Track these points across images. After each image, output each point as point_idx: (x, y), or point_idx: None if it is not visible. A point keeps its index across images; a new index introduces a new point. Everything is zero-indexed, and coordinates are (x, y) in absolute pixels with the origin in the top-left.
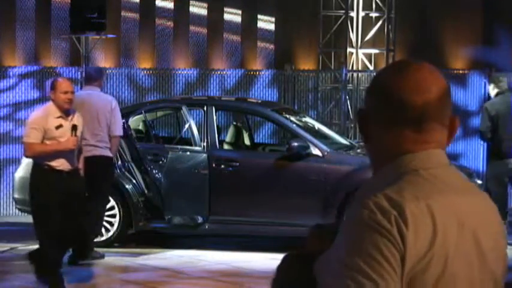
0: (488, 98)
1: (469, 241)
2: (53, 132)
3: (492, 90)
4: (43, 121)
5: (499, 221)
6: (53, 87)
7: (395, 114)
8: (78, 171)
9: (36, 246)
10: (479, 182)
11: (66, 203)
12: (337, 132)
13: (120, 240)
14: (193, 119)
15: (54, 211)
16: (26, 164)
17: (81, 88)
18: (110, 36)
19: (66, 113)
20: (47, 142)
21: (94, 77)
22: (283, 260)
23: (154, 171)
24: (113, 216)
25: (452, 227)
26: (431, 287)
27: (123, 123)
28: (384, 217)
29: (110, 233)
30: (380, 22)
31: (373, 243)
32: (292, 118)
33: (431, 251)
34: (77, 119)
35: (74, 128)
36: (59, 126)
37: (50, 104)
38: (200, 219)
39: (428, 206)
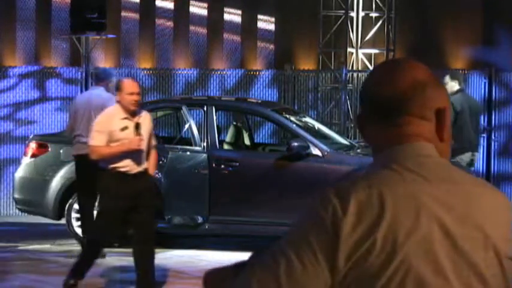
0: (488, 97)
1: (432, 228)
2: (117, 135)
3: (453, 87)
4: (107, 123)
5: (488, 212)
6: (119, 88)
7: (369, 111)
8: (146, 172)
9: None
10: None
11: (132, 206)
12: (337, 132)
13: (120, 240)
14: (193, 119)
15: (114, 217)
16: (26, 164)
17: (81, 88)
18: (110, 36)
19: (132, 114)
20: (112, 145)
21: (100, 77)
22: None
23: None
24: None
25: (407, 214)
26: (376, 271)
27: None
28: (321, 205)
29: None
30: (380, 22)
31: (303, 229)
32: (292, 118)
33: (374, 235)
34: (143, 118)
35: (137, 126)
36: (124, 128)
37: (115, 106)
38: (200, 219)
39: (379, 193)
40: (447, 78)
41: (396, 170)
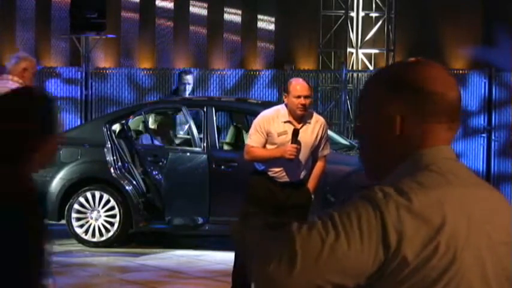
0: (488, 97)
1: (480, 233)
2: (273, 138)
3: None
4: (267, 123)
5: (510, 215)
6: (286, 90)
7: (430, 110)
8: (302, 185)
9: None
10: None
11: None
12: (337, 132)
13: (120, 240)
14: (193, 120)
15: None
16: None
17: (81, 88)
18: (110, 36)
19: (298, 119)
20: (268, 147)
21: None
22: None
23: (154, 172)
24: (113, 216)
25: (463, 218)
26: (436, 276)
27: (123, 123)
28: (383, 197)
29: (110, 233)
30: (380, 22)
31: (356, 207)
32: None
33: (437, 239)
34: (312, 124)
35: (295, 133)
36: (282, 133)
37: (281, 106)
38: (200, 220)
39: (437, 195)
40: (191, 78)
41: (437, 172)
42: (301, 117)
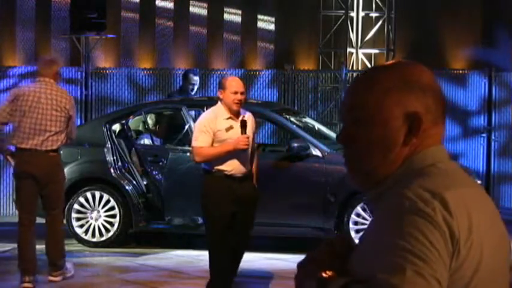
0: (488, 97)
1: (491, 231)
2: (222, 135)
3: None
4: (212, 123)
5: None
6: (222, 86)
7: (438, 109)
8: (251, 177)
9: None
10: (479, 182)
11: (239, 213)
12: (337, 133)
13: (120, 240)
14: (193, 120)
15: (225, 223)
16: None
17: (81, 88)
18: (110, 36)
19: (236, 114)
20: (216, 145)
21: None
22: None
23: (154, 172)
24: (113, 216)
25: (480, 217)
26: (470, 276)
27: (123, 123)
28: (426, 205)
29: (110, 233)
30: (380, 22)
31: (416, 227)
32: (292, 119)
33: (471, 237)
34: (247, 118)
35: (243, 124)
36: (229, 128)
37: (218, 105)
38: (200, 220)
39: (460, 195)
40: (197, 79)
41: (447, 171)
42: (237, 113)
